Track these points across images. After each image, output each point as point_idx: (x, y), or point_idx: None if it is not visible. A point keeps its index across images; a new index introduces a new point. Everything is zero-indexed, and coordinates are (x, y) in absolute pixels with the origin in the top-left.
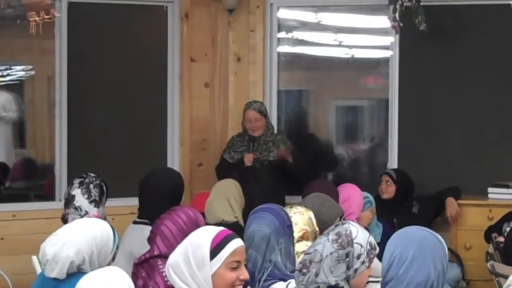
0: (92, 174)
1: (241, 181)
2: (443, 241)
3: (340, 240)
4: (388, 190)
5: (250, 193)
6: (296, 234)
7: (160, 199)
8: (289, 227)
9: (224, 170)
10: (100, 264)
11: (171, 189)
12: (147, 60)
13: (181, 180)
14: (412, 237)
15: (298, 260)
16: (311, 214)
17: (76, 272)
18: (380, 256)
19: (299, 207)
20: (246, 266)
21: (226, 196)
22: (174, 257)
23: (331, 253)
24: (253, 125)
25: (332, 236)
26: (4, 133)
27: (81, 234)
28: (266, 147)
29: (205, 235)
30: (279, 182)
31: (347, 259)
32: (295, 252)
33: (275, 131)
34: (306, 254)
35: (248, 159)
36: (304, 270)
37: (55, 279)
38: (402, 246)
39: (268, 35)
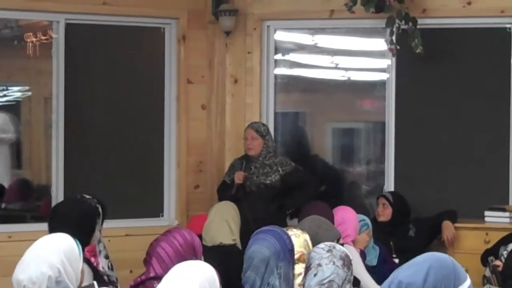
0: (87, 196)
1: (234, 201)
2: (461, 273)
3: (346, 263)
4: (385, 213)
5: (243, 214)
6: None
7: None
8: (290, 252)
9: (221, 191)
10: (75, 271)
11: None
12: (144, 81)
13: (91, 206)
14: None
15: (296, 282)
16: (307, 236)
17: None
18: (376, 279)
19: (294, 230)
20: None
21: (226, 218)
22: None
23: (344, 279)
24: (248, 142)
25: (338, 262)
26: (3, 154)
27: (45, 249)
28: (264, 171)
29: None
30: (276, 206)
31: (351, 277)
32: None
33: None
34: (319, 285)
35: (238, 177)
36: None
37: None
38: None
39: (265, 57)
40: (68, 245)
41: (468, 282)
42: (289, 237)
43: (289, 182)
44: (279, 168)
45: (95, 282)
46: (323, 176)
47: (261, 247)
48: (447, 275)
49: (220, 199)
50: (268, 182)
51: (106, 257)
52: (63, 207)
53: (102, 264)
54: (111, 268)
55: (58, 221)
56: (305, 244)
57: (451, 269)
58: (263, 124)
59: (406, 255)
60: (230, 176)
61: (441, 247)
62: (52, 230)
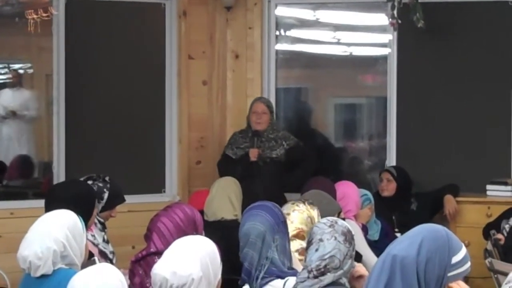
0: (106, 178)
1: (246, 177)
2: (455, 243)
3: (348, 238)
4: (389, 187)
5: (254, 189)
6: (291, 232)
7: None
8: (283, 223)
9: (227, 166)
10: (79, 246)
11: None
12: (145, 57)
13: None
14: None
15: (295, 259)
16: (313, 213)
17: (58, 269)
18: (378, 253)
19: (300, 205)
20: (242, 264)
21: (227, 194)
22: (198, 273)
23: (346, 254)
24: (258, 116)
25: (340, 237)
26: (26, 130)
27: (49, 224)
28: (269, 145)
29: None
30: (281, 180)
31: (353, 252)
32: None
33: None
34: (320, 260)
35: (253, 154)
36: (322, 277)
37: (41, 277)
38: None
39: (266, 32)
40: (72, 220)
41: (463, 251)
42: (280, 209)
43: (293, 157)
44: (284, 142)
45: (96, 258)
46: (325, 152)
47: (255, 223)
48: (441, 246)
49: (226, 174)
50: (274, 155)
51: (101, 229)
52: (57, 189)
53: (97, 237)
54: (106, 241)
55: (52, 203)
56: (307, 221)
57: (445, 240)
58: (269, 100)
59: (408, 230)
60: (234, 150)
61: (443, 221)
62: (48, 211)
